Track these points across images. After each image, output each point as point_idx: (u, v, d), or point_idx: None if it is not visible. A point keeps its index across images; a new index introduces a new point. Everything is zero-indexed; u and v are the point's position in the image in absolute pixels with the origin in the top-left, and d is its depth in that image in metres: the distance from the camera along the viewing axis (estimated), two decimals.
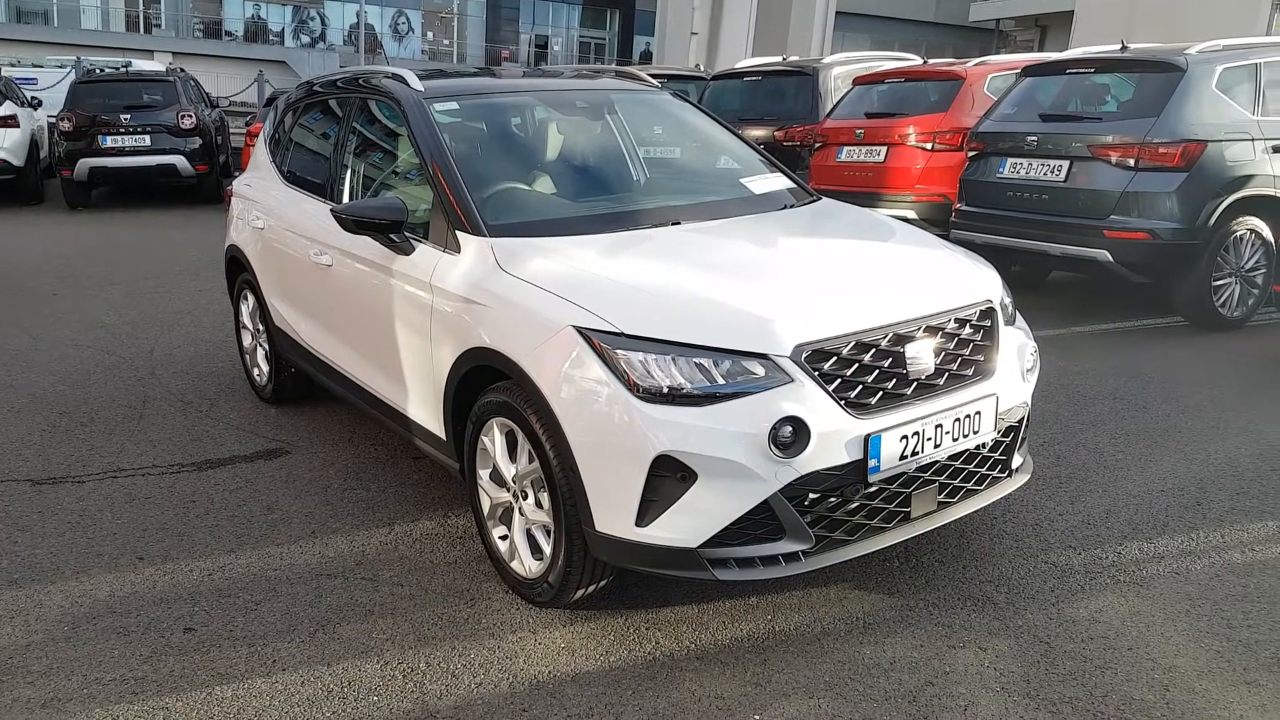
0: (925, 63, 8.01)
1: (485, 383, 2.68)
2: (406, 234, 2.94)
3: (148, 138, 10.80)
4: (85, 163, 10.65)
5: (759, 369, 2.24)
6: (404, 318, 2.98)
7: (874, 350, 2.35)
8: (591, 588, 2.53)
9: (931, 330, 2.46)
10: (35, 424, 4.19)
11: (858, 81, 7.80)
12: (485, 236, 2.76)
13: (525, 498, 2.62)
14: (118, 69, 13.07)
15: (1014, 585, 2.72)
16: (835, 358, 2.30)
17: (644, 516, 2.26)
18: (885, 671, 2.34)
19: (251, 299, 4.32)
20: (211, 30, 35.84)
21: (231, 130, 13.57)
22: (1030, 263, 6.28)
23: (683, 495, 2.21)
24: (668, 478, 2.21)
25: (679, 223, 2.96)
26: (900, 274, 2.71)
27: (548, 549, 2.55)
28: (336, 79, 3.97)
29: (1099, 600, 2.64)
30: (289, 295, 3.89)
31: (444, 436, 2.91)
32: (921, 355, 2.40)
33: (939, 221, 6.44)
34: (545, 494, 2.50)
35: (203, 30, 35.77)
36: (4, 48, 26.54)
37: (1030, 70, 6.16)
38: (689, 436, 2.18)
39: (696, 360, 2.24)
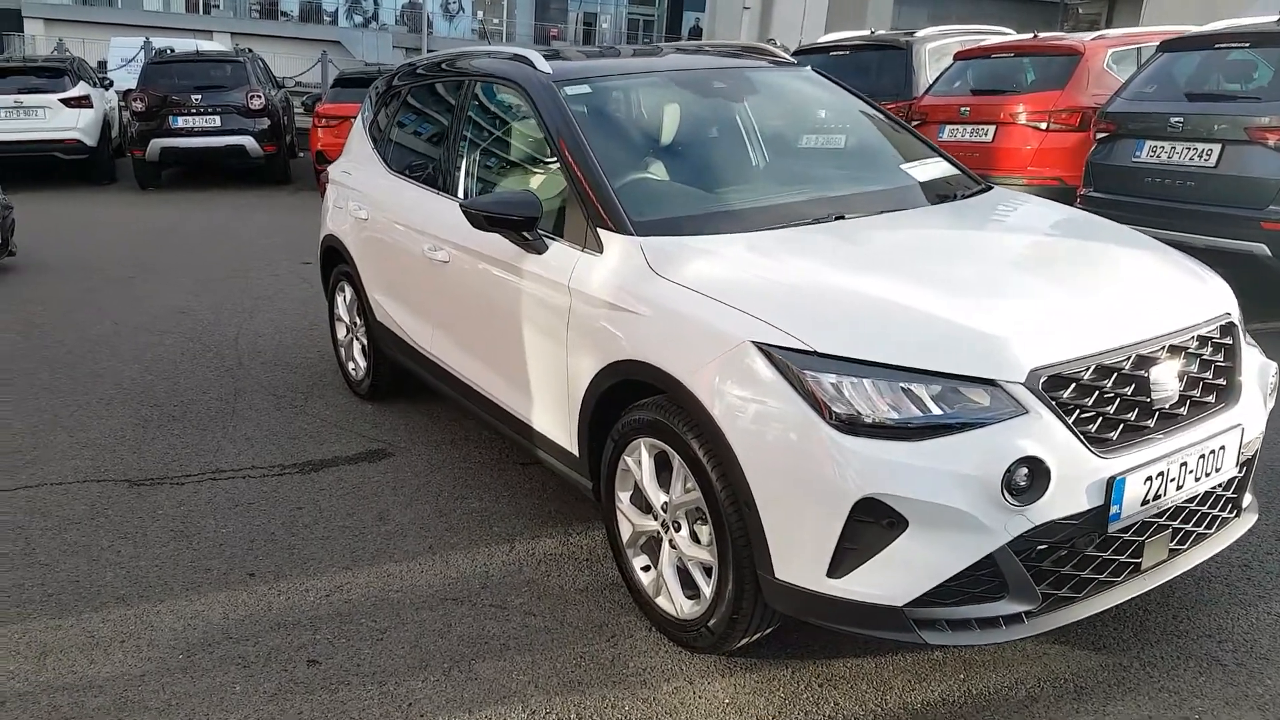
0: (1036, 36, 7.46)
1: (628, 397, 2.40)
2: (540, 231, 2.66)
3: (218, 118, 10.74)
4: (157, 143, 10.65)
5: (983, 397, 1.90)
6: (535, 322, 2.71)
7: (1116, 375, 1.99)
8: (757, 635, 2.24)
9: (1174, 351, 2.09)
10: (126, 417, 4.04)
11: (960, 56, 7.31)
12: (631, 235, 2.46)
13: (678, 529, 2.33)
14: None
15: (1239, 641, 2.36)
16: (1075, 384, 1.95)
17: (838, 567, 1.95)
18: None
19: (349, 291, 4.09)
20: (268, 11, 36.09)
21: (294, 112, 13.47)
22: None
23: (888, 545, 1.90)
24: (871, 524, 1.90)
25: (842, 217, 2.62)
26: (1131, 284, 2.33)
27: (706, 589, 2.26)
28: (444, 61, 3.69)
29: None
30: (395, 290, 3.64)
31: (576, 453, 2.64)
32: (1165, 380, 2.04)
33: None
34: (706, 528, 2.22)
35: (259, 11, 36.03)
36: (71, 29, 27.04)
37: (1170, 45, 5.62)
38: (900, 477, 1.86)
39: (904, 385, 1.92)
